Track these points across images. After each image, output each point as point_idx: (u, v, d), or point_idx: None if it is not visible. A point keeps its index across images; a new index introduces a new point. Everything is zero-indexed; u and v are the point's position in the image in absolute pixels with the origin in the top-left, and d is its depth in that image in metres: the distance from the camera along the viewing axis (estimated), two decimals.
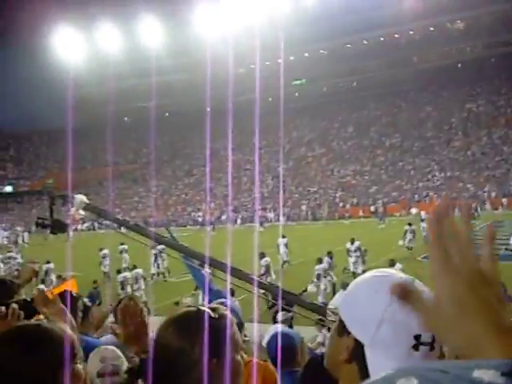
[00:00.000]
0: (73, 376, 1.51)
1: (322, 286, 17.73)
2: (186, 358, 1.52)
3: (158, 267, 23.75)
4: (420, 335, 1.13)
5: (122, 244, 24.91)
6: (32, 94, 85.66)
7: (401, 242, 26.53)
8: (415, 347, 1.14)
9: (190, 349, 1.52)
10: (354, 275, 18.86)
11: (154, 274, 23.69)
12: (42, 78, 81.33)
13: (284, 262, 23.94)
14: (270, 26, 60.52)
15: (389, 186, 58.01)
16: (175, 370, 1.53)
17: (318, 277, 17.98)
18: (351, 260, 21.44)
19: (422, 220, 28.99)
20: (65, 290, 3.80)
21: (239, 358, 1.62)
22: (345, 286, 11.08)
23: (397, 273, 1.28)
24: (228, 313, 1.65)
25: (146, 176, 77.44)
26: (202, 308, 1.61)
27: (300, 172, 66.55)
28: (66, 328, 1.58)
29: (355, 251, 21.50)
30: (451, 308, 0.67)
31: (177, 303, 14.62)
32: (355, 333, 1.20)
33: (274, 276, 19.56)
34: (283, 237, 25.51)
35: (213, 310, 1.61)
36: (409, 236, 26.24)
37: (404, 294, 0.74)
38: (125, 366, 3.09)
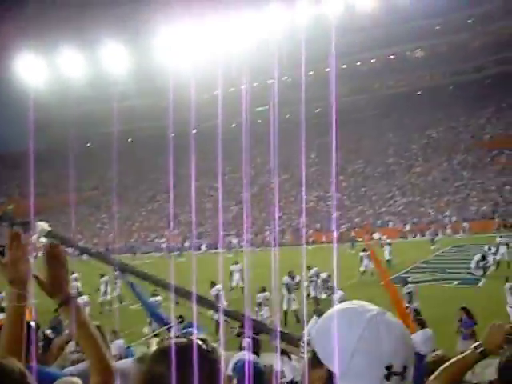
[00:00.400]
0: None
1: (265, 314, 17.43)
2: None
3: (106, 295, 23.42)
4: (392, 365, 1.14)
5: (72, 273, 24.62)
6: None
7: (361, 268, 26.87)
8: (387, 377, 1.14)
9: (186, 382, 1.49)
10: (317, 301, 18.89)
11: (102, 302, 23.38)
12: (3, 101, 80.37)
13: (232, 288, 23.82)
14: (232, 54, 61.05)
15: (352, 212, 58.51)
16: None
17: (259, 305, 17.71)
18: (312, 287, 21.49)
19: (385, 244, 29.27)
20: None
21: None
22: (318, 312, 11.03)
23: (366, 304, 1.29)
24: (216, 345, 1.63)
25: (109, 202, 76.70)
26: (195, 340, 1.58)
27: (263, 198, 66.69)
28: (16, 363, 1.54)
29: (312, 277, 21.58)
30: None
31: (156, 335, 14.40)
32: (328, 364, 1.21)
33: (225, 303, 19.44)
34: (236, 263, 25.91)
35: (202, 341, 1.59)
36: (365, 262, 26.70)
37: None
38: None
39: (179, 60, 65.11)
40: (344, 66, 77.16)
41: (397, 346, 1.16)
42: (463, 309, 12.37)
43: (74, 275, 24.65)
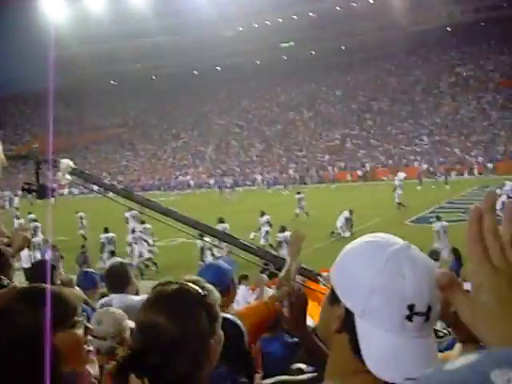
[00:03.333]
0: (68, 339, 1.49)
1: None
2: (184, 343, 1.47)
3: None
4: (414, 305, 1.08)
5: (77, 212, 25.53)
6: (16, 57, 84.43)
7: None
8: (409, 318, 1.09)
9: (187, 332, 1.48)
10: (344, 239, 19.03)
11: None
12: (27, 40, 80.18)
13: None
14: None
15: (377, 151, 58.05)
16: (172, 359, 1.46)
17: (279, 244, 17.76)
18: (338, 224, 21.66)
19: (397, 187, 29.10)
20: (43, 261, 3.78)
21: (221, 332, 1.59)
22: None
23: (391, 237, 1.19)
24: (211, 287, 1.61)
25: (133, 140, 76.99)
26: (190, 285, 1.56)
27: (288, 136, 66.38)
28: (73, 292, 1.56)
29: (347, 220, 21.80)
30: (493, 306, 0.68)
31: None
32: (346, 302, 1.15)
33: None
34: (298, 193, 27.83)
35: (196, 284, 1.57)
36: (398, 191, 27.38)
37: (448, 284, 0.73)
38: (126, 331, 3.08)
39: None
40: (371, 1, 75.14)
41: (421, 283, 1.09)
42: (454, 250, 12.30)
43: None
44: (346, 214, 21.81)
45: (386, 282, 1.10)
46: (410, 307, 1.08)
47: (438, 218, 17.62)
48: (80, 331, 1.55)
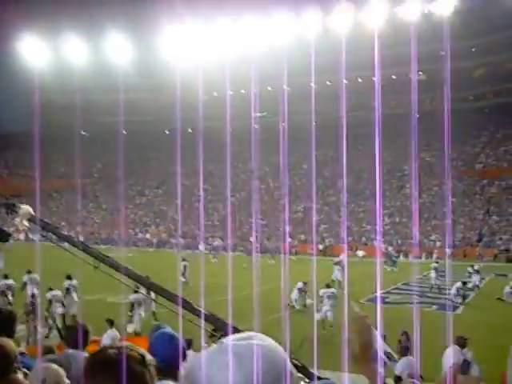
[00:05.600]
0: (13, 382, 1.49)
1: None
2: None
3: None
4: None
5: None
6: None
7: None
8: None
9: None
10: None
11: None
12: (2, 81, 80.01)
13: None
14: (237, 59, 61.08)
15: (338, 227, 58.60)
16: None
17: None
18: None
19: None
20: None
21: None
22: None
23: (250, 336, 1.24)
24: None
25: (97, 192, 76.40)
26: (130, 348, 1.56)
27: (251, 204, 66.69)
28: (10, 343, 1.56)
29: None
30: None
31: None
32: None
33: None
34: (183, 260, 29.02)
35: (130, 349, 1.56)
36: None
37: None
38: None
39: (182, 58, 65.01)
40: (345, 81, 77.36)
41: (243, 377, 1.10)
42: (404, 333, 12.47)
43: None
44: (300, 285, 21.86)
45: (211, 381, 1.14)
46: None
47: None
48: (21, 376, 1.55)
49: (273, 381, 1.11)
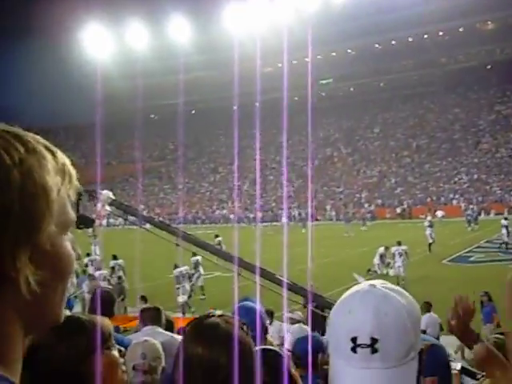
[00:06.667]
0: (107, 361, 1.53)
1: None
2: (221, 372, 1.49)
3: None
4: (356, 337, 1.14)
5: None
6: (59, 90, 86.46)
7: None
8: (353, 349, 1.15)
9: (218, 362, 1.49)
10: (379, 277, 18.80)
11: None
12: (70, 74, 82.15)
13: None
14: (297, 25, 60.26)
15: (415, 188, 57.54)
16: None
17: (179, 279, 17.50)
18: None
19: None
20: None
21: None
22: None
23: (378, 283, 1.27)
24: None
25: (172, 173, 77.78)
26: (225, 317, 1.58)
27: (325, 172, 66.30)
28: (99, 318, 1.60)
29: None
30: None
31: None
32: None
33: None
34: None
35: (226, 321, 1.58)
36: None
37: (485, 358, 0.92)
38: (161, 366, 3.13)
39: (243, 32, 64.82)
40: (410, 39, 75.15)
41: (365, 316, 1.15)
42: (486, 293, 12.06)
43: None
44: (381, 250, 21.65)
45: (335, 318, 1.22)
46: (353, 339, 1.15)
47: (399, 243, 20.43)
48: (115, 353, 1.58)
49: (417, 320, 1.19)
